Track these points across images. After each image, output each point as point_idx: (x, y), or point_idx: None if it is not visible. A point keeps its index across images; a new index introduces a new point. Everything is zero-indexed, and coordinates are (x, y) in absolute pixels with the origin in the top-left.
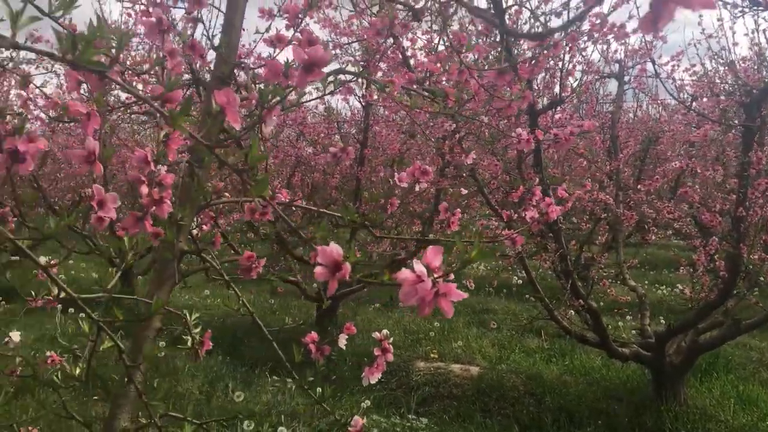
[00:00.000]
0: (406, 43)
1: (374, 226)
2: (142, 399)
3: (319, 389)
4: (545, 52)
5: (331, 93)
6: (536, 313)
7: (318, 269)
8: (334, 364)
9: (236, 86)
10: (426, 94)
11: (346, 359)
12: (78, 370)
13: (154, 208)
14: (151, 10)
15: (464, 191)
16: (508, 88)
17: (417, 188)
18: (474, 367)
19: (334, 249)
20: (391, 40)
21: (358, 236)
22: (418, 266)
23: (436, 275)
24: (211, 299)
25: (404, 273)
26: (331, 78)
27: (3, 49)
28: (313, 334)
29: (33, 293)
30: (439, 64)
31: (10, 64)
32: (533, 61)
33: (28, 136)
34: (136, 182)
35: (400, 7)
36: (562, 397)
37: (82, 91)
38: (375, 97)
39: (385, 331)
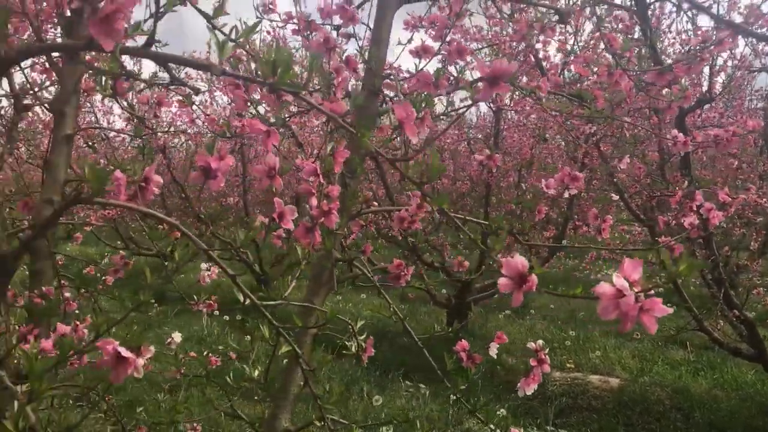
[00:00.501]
0: (538, 46)
1: (521, 233)
2: (317, 402)
3: (452, 397)
4: (710, 48)
5: (474, 103)
6: (684, 323)
7: (502, 281)
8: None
9: (384, 98)
10: (571, 97)
11: (480, 367)
12: (257, 373)
13: (323, 219)
14: (300, 28)
15: (615, 197)
16: (667, 88)
17: (566, 194)
18: (614, 378)
19: (519, 261)
20: (523, 44)
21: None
22: (619, 280)
23: (636, 289)
24: (342, 303)
25: (603, 287)
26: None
27: (158, 70)
28: (464, 342)
29: (195, 297)
30: (572, 66)
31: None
32: (694, 59)
33: (219, 153)
34: (307, 194)
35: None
36: (712, 412)
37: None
38: (506, 101)
39: (540, 342)
